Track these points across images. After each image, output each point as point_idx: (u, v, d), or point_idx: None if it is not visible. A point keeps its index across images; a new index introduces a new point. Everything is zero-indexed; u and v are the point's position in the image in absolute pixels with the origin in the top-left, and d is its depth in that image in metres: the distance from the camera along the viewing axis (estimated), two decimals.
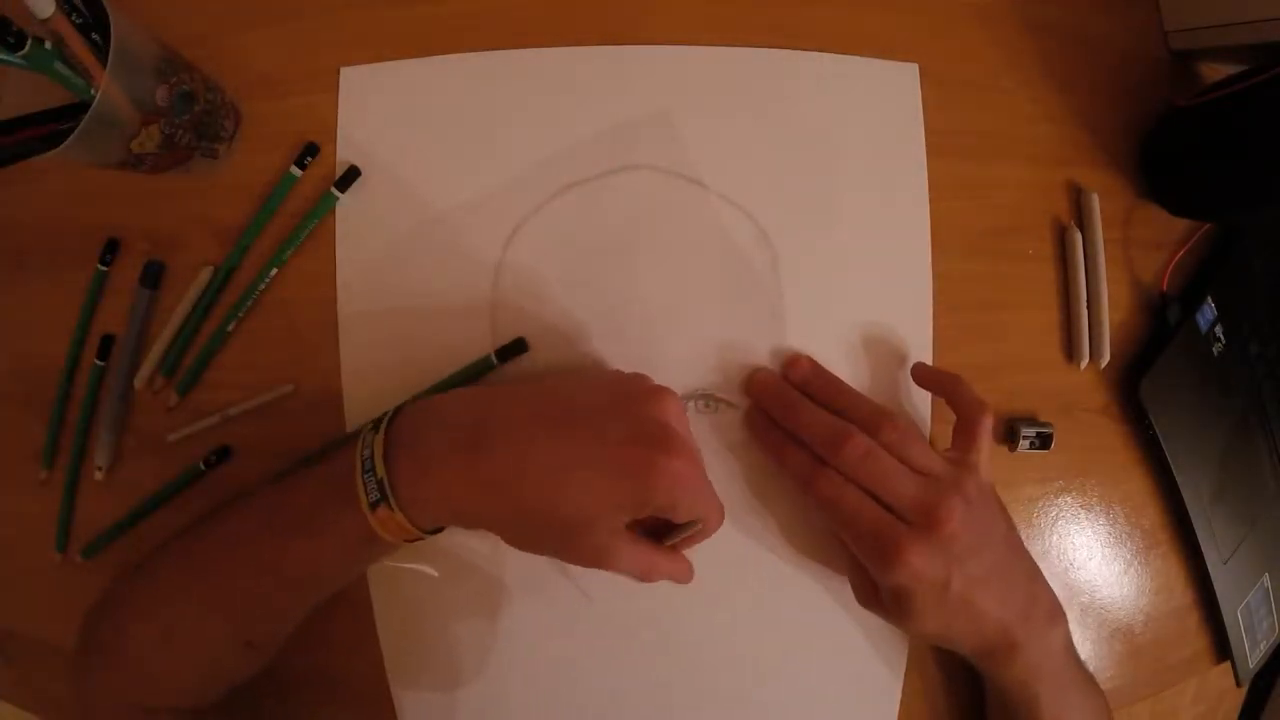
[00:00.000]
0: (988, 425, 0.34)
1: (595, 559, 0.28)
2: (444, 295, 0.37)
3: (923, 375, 0.38)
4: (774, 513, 0.38)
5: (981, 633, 0.33)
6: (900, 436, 0.33)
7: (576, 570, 0.37)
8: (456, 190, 0.37)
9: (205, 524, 0.32)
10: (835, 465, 0.33)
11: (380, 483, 0.27)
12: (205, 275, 0.37)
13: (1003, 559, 0.34)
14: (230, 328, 0.37)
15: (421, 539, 0.29)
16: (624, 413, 0.29)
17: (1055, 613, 0.35)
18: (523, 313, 0.37)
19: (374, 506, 0.27)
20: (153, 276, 0.37)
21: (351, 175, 0.37)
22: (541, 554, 0.30)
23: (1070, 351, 0.41)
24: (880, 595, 0.34)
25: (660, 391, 0.30)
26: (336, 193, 0.37)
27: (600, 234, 0.37)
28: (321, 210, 0.37)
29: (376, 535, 0.28)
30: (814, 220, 0.38)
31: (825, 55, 0.39)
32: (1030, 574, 0.35)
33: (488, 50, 0.37)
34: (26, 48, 0.26)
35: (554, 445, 0.28)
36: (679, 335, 0.37)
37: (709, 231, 0.38)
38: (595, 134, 0.37)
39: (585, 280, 0.37)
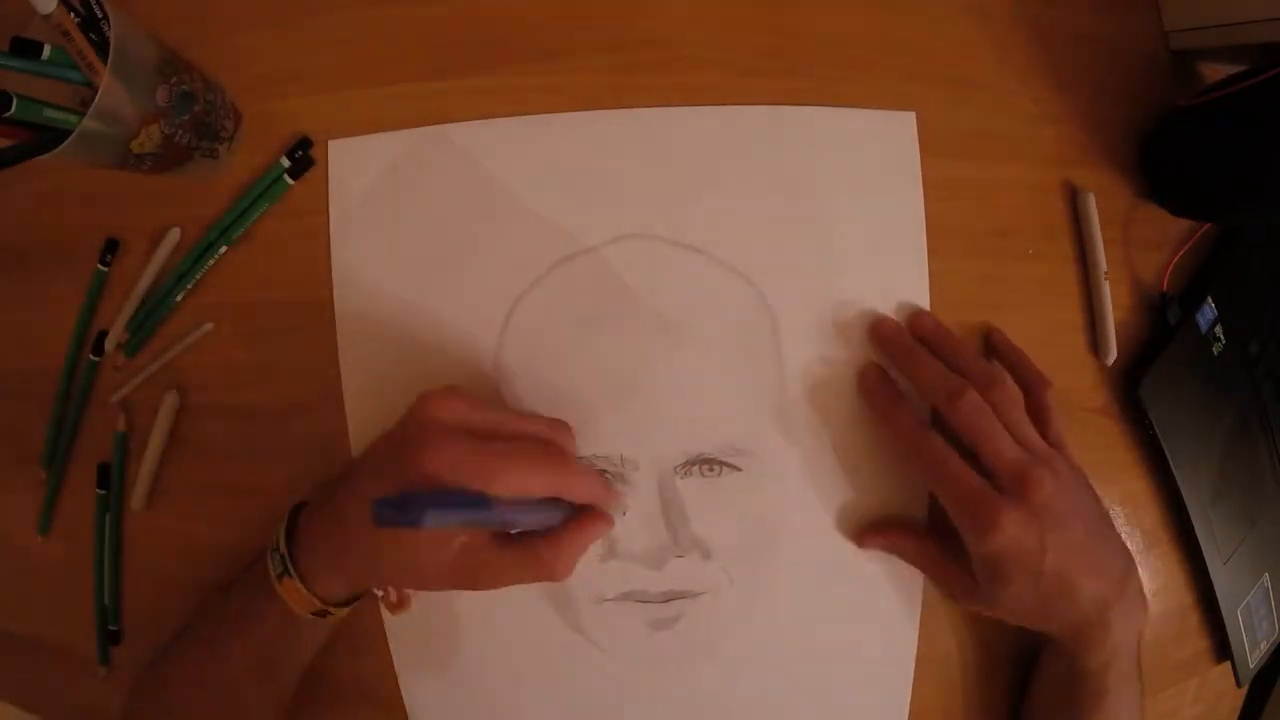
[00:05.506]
0: (1053, 400, 0.36)
1: (468, 579, 0.30)
2: (447, 374, 0.37)
3: (997, 342, 0.39)
4: (781, 568, 0.38)
5: (1077, 609, 0.34)
6: (1007, 401, 0.34)
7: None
8: (455, 264, 0.37)
9: (191, 626, 0.35)
10: (948, 415, 0.34)
11: (282, 557, 0.31)
12: (174, 236, 0.37)
13: (1096, 535, 0.35)
14: (179, 298, 0.37)
15: (330, 612, 0.32)
16: (399, 429, 0.30)
17: (1143, 599, 0.35)
18: (526, 383, 0.37)
19: (280, 578, 0.31)
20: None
21: (305, 162, 0.37)
22: (435, 588, 0.32)
23: (1070, 351, 0.41)
24: (970, 582, 0.35)
25: (423, 396, 0.29)
26: (289, 180, 0.37)
27: (599, 304, 0.37)
28: (275, 192, 0.37)
29: (293, 613, 0.31)
30: (812, 281, 0.38)
31: (821, 109, 0.38)
32: (1123, 556, 0.35)
33: (478, 120, 0.37)
34: (46, 53, 0.27)
35: (369, 486, 0.30)
36: (681, 401, 0.37)
37: (707, 298, 0.37)
38: (590, 202, 0.37)
39: (586, 350, 0.37)
